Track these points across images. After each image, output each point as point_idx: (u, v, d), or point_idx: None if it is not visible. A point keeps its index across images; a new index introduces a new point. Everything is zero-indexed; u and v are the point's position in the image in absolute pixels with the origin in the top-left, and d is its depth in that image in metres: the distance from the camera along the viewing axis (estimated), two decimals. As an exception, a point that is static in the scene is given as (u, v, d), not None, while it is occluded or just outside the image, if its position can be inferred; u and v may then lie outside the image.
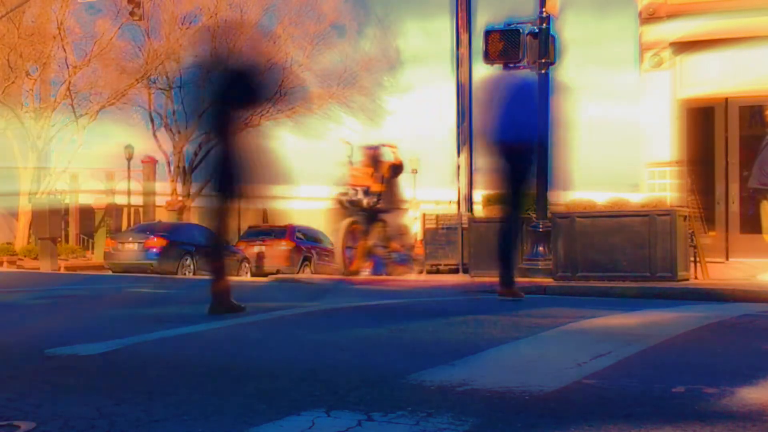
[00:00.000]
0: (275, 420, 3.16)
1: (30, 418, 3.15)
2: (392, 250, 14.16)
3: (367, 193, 13.44)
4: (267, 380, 4.00)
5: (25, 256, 31.95)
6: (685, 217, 12.97)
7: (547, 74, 13.11)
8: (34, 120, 33.83)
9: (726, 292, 9.96)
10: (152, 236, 24.32)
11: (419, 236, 22.27)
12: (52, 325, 6.62)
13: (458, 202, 17.40)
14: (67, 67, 34.67)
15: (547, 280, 12.34)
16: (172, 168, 38.11)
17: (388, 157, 14.03)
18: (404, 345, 5.34)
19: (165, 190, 38.57)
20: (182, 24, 36.71)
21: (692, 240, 13.36)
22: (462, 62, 17.42)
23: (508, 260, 9.09)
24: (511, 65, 13.33)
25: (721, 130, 15.75)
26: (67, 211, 38.84)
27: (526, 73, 11.12)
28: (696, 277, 13.28)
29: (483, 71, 13.35)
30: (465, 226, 15.66)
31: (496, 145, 8.92)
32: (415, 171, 44.79)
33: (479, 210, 16.89)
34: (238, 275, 24.10)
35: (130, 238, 24.99)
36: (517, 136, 8.75)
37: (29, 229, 33.95)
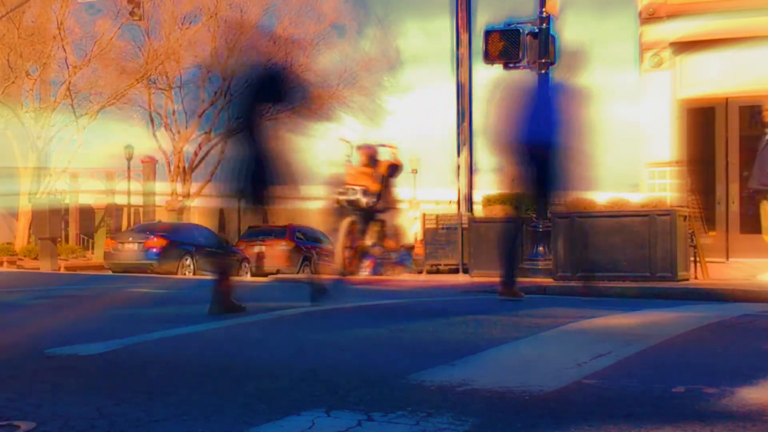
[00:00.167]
0: (275, 420, 3.16)
1: (30, 418, 3.15)
2: (389, 249, 14.15)
3: (365, 193, 13.42)
4: (267, 380, 4.00)
5: (25, 256, 31.95)
6: (685, 217, 12.97)
7: (546, 74, 13.11)
8: (34, 120, 33.82)
9: (726, 292, 9.96)
10: (152, 236, 24.31)
11: (419, 236, 22.28)
12: (52, 325, 6.62)
13: (458, 202, 17.40)
14: (67, 67, 34.67)
15: (547, 280, 12.34)
16: (172, 168, 38.12)
17: (385, 156, 14.00)
18: (404, 345, 5.34)
19: (165, 190, 38.58)
20: (182, 24, 36.72)
21: (692, 240, 13.36)
22: (462, 62, 17.42)
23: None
24: (511, 65, 13.35)
25: (722, 130, 15.75)
26: (67, 211, 38.85)
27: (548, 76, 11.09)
28: (696, 277, 13.28)
29: (486, 72, 13.37)
30: (465, 226, 15.65)
31: (522, 148, 8.96)
32: (415, 171, 44.80)
33: (479, 210, 16.89)
34: (238, 275, 24.11)
35: (130, 238, 24.98)
36: (542, 138, 8.79)
37: (29, 229, 33.96)
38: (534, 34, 13.10)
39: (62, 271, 27.34)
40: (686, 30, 15.81)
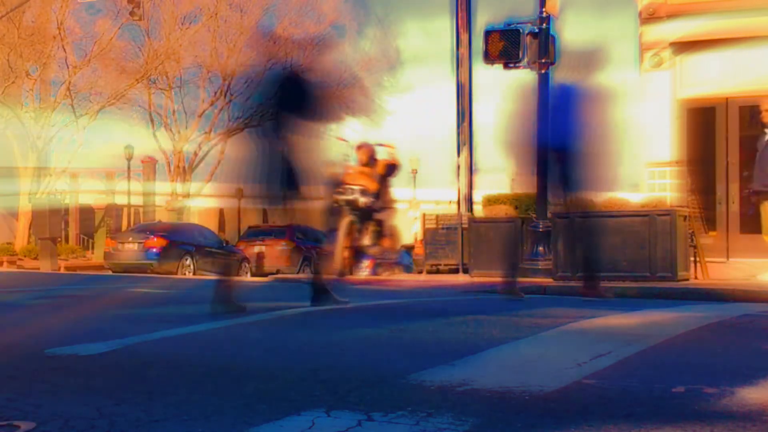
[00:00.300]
0: (275, 420, 3.16)
1: (30, 418, 3.15)
2: (385, 249, 14.15)
3: (363, 192, 13.40)
4: (267, 380, 4.01)
5: (25, 256, 31.96)
6: (685, 217, 12.97)
7: (547, 74, 13.11)
8: (34, 120, 33.82)
9: (726, 292, 9.96)
10: (152, 236, 24.30)
11: (419, 236, 22.26)
12: (52, 325, 6.62)
13: (458, 202, 17.39)
14: (67, 67, 34.67)
15: (547, 280, 12.34)
16: (172, 168, 38.13)
17: (383, 155, 14.00)
18: (404, 345, 5.34)
19: (165, 190, 38.58)
20: (182, 24, 36.71)
21: (692, 240, 13.36)
22: (462, 62, 17.41)
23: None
24: (511, 65, 13.34)
25: (722, 130, 15.75)
26: (67, 211, 38.86)
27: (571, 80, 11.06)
28: (696, 277, 13.28)
29: (486, 72, 13.36)
30: (465, 226, 15.65)
31: (540, 152, 8.98)
32: (415, 171, 44.79)
33: (479, 210, 16.89)
34: (238, 275, 24.10)
35: (130, 238, 24.97)
36: (567, 142, 8.81)
37: (29, 229, 33.96)
38: (534, 34, 13.10)
39: (62, 271, 27.34)
40: (686, 30, 15.81)
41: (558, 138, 8.83)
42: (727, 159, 15.65)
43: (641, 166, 16.24)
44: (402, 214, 31.59)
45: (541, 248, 13.38)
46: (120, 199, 42.33)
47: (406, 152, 42.10)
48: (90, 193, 43.98)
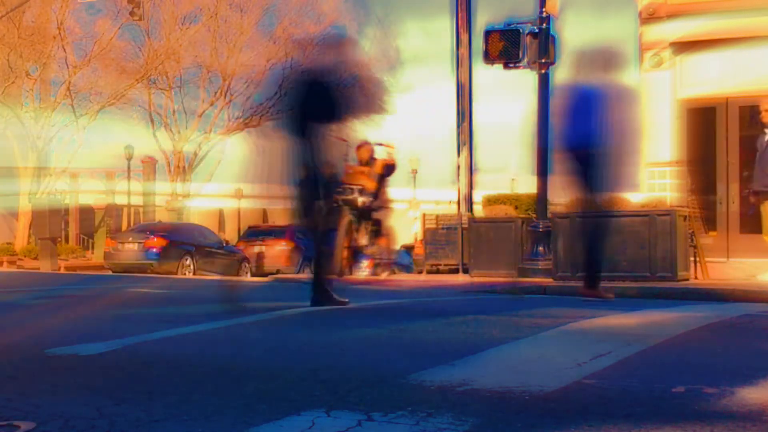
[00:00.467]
0: (275, 420, 3.16)
1: (30, 418, 3.15)
2: (383, 249, 14.15)
3: (362, 192, 13.40)
4: (267, 380, 4.00)
5: (25, 256, 31.97)
6: (685, 217, 12.96)
7: (546, 74, 13.11)
8: (34, 120, 33.83)
9: (726, 292, 9.96)
10: (152, 236, 24.31)
11: (419, 236, 22.25)
12: (52, 325, 6.62)
13: (458, 202, 17.39)
14: (67, 67, 34.69)
15: (547, 280, 12.34)
16: (171, 168, 38.13)
17: (382, 155, 13.98)
18: (404, 345, 5.33)
19: (165, 190, 38.60)
20: (182, 24, 36.74)
21: (692, 240, 13.35)
22: (462, 62, 17.41)
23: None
24: (511, 65, 13.34)
25: (722, 130, 15.75)
26: (67, 211, 38.88)
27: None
28: (696, 277, 13.28)
29: (486, 72, 13.34)
30: (465, 226, 15.65)
31: (568, 152, 8.99)
32: (415, 171, 44.79)
33: (479, 210, 16.89)
34: (238, 275, 24.11)
35: (130, 238, 24.98)
36: (585, 143, 8.83)
37: (29, 229, 33.98)
38: (534, 34, 13.10)
39: (62, 271, 27.35)
40: (686, 30, 15.80)
41: (583, 138, 8.84)
42: (727, 159, 15.64)
43: (641, 165, 16.24)
44: (401, 214, 31.59)
45: (541, 248, 13.39)
46: (120, 199, 42.36)
47: (406, 152, 42.14)
48: (90, 193, 44.00)
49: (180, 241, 24.32)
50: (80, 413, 3.24)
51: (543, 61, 13.02)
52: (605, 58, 9.19)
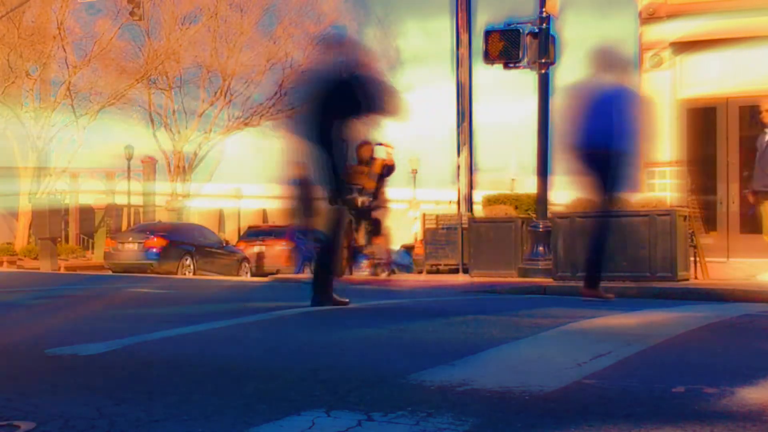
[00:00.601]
0: (275, 420, 3.16)
1: (30, 418, 3.15)
2: (381, 248, 14.16)
3: (361, 191, 13.39)
4: (267, 380, 4.00)
5: (25, 256, 31.97)
6: (685, 217, 12.97)
7: (546, 74, 13.12)
8: (34, 120, 33.84)
9: (726, 292, 9.96)
10: (152, 236, 24.32)
11: (419, 236, 22.25)
12: (52, 325, 6.62)
13: (458, 202, 17.39)
14: (67, 67, 34.69)
15: (547, 280, 12.34)
16: (171, 168, 38.13)
17: (381, 154, 13.99)
18: (404, 345, 5.33)
19: (165, 190, 38.60)
20: (182, 24, 36.74)
21: (692, 240, 13.36)
22: (462, 62, 17.41)
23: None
24: (511, 65, 13.35)
25: (722, 130, 15.75)
26: (67, 211, 38.87)
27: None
28: (696, 277, 13.28)
29: (486, 72, 13.33)
30: (465, 226, 15.65)
31: (581, 153, 9.00)
32: (415, 171, 44.77)
33: (479, 210, 16.89)
34: (238, 275, 24.13)
35: (130, 238, 24.98)
36: (599, 143, 8.83)
37: (29, 229, 33.98)
38: (534, 34, 13.11)
39: (62, 271, 27.35)
40: (686, 30, 15.80)
41: (603, 138, 8.83)
42: (727, 159, 15.64)
43: (641, 165, 16.24)
44: (400, 214, 31.58)
45: (541, 248, 13.40)
46: (120, 199, 42.35)
47: (406, 152, 42.09)
48: (90, 193, 43.99)
49: (180, 241, 24.32)
50: (80, 413, 3.24)
51: (543, 61, 13.02)
52: (624, 59, 9.22)
